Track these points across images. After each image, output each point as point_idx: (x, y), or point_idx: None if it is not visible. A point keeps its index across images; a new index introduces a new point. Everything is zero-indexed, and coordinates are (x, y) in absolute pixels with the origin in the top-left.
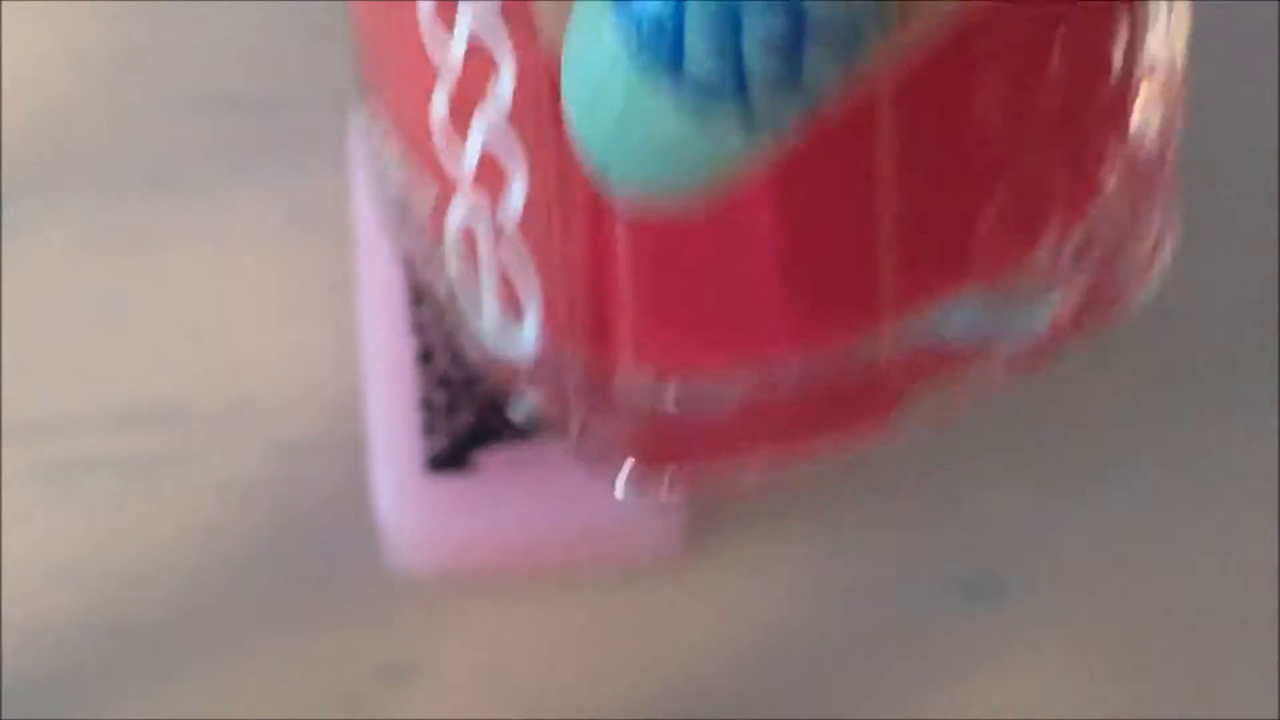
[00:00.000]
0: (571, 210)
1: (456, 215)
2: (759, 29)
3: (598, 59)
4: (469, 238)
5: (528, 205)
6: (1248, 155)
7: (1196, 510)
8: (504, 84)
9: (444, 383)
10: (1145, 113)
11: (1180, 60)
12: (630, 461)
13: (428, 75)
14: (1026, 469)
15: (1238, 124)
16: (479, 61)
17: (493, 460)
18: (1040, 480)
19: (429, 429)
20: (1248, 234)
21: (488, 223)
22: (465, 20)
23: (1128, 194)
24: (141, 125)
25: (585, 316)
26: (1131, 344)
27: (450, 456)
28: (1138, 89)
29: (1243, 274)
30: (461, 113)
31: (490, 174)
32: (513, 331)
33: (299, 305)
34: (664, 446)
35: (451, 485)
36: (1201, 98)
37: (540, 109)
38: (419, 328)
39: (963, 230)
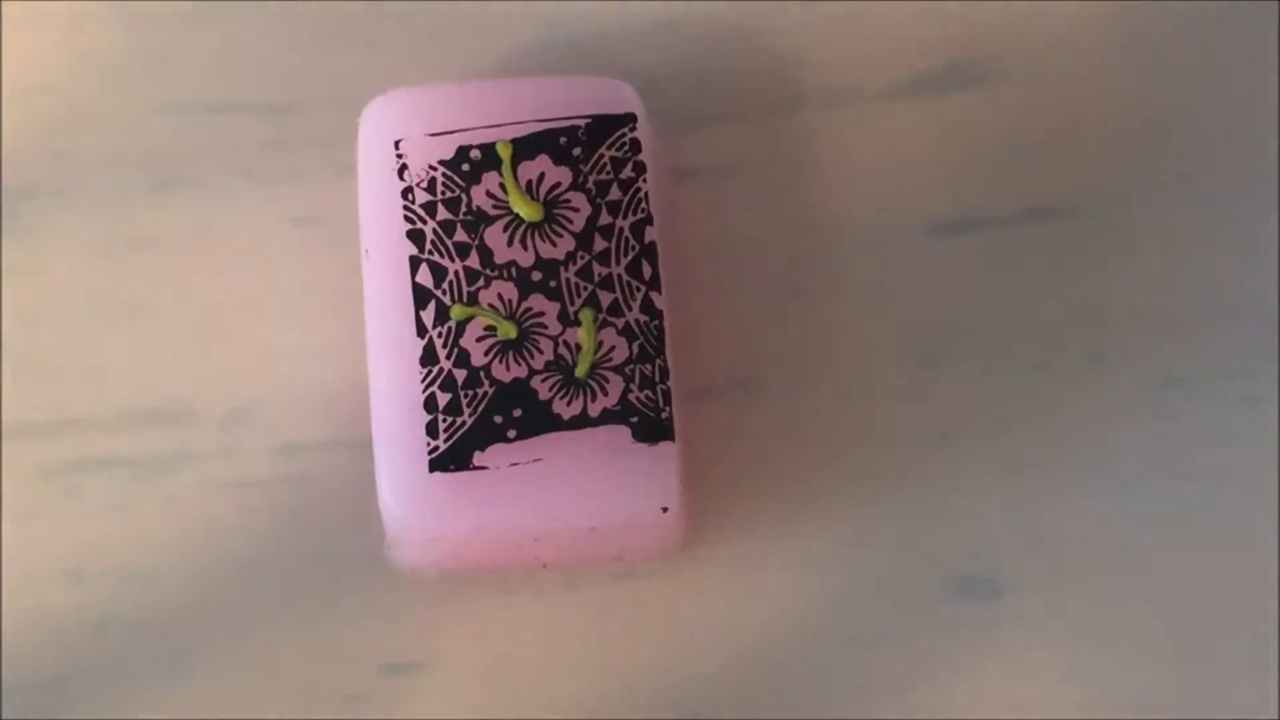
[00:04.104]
0: None
1: None
2: None
3: None
4: None
5: None
6: (1248, 155)
7: (1194, 510)
8: None
9: (446, 384)
10: None
11: None
12: None
13: None
14: (1024, 469)
15: (1238, 124)
16: None
17: (495, 460)
18: (1037, 480)
19: (432, 429)
20: (1248, 234)
21: None
22: None
23: None
24: (147, 128)
25: None
26: (1131, 344)
27: (453, 456)
28: None
29: (1243, 274)
30: None
31: None
32: None
33: (304, 307)
34: None
35: (454, 485)
36: (1201, 97)
37: None
38: (422, 329)
39: None
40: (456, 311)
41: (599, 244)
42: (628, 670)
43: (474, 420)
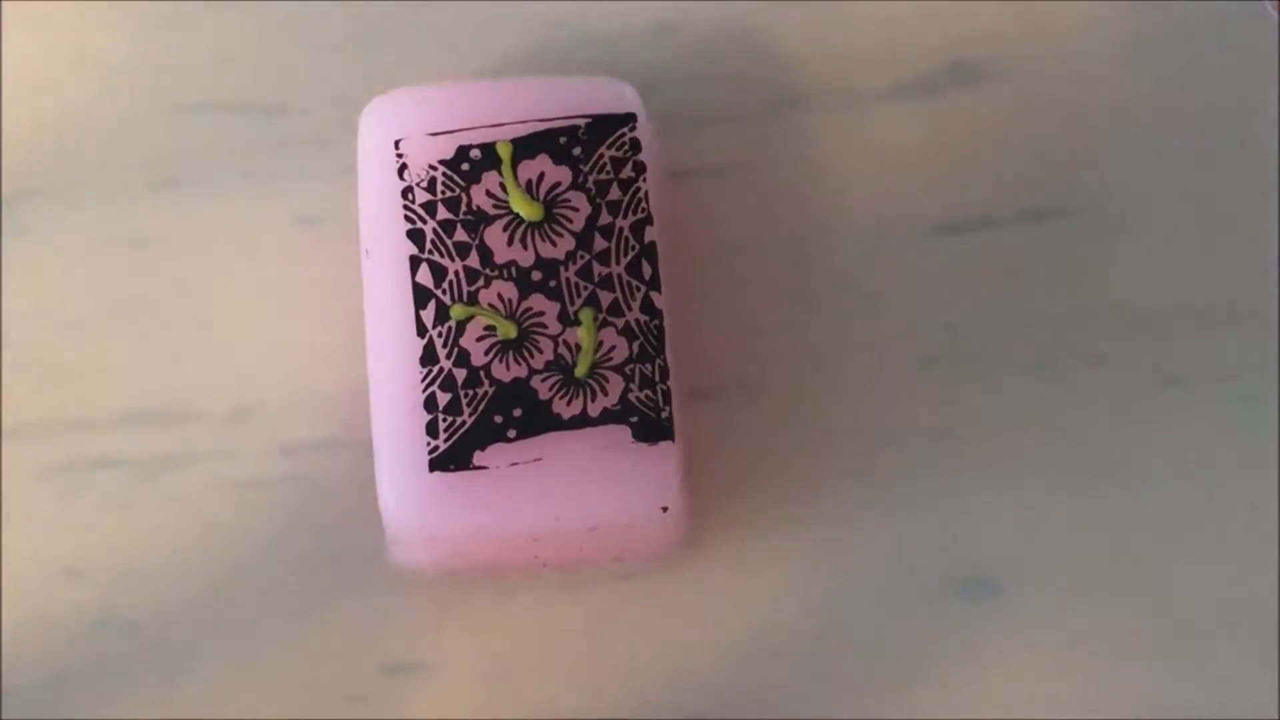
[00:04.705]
0: None
1: None
2: None
3: None
4: None
5: None
6: (1248, 155)
7: (1194, 510)
8: None
9: (446, 383)
10: None
11: None
12: None
13: None
14: (1024, 469)
15: (1238, 124)
16: None
17: (495, 460)
18: (1037, 480)
19: (432, 429)
20: (1248, 234)
21: None
22: None
23: None
24: (149, 128)
25: None
26: (1131, 344)
27: (453, 456)
28: None
29: (1243, 274)
30: None
31: None
32: None
33: (305, 307)
34: None
35: (454, 484)
36: (1201, 97)
37: None
38: (422, 329)
39: None
40: (456, 311)
41: (599, 243)
42: (628, 670)
43: (474, 420)
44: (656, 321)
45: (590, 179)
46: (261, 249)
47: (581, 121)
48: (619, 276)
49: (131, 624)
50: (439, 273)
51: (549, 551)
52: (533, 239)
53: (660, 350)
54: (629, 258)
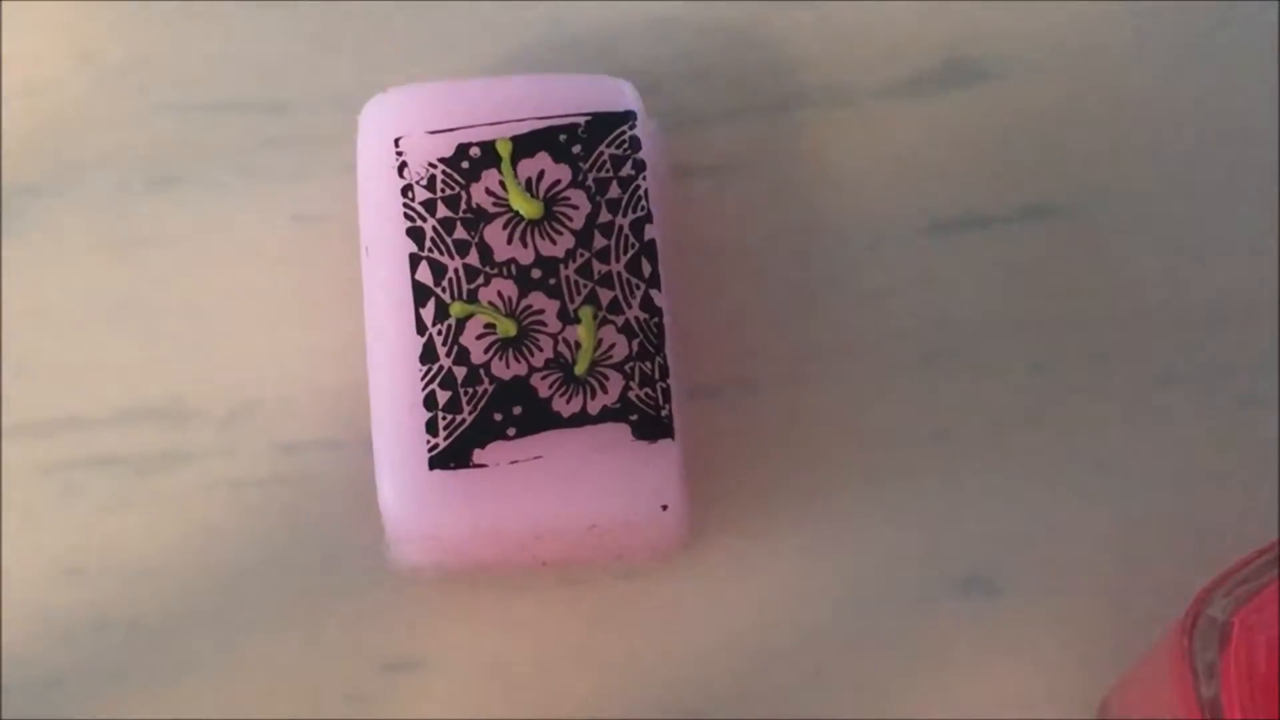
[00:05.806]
0: None
1: None
2: None
3: None
4: None
5: None
6: (1248, 155)
7: (1194, 510)
8: None
9: (446, 381)
10: None
11: None
12: None
13: None
14: (1024, 469)
15: (1238, 124)
16: None
17: (494, 458)
18: (1037, 480)
19: (432, 427)
20: (1248, 234)
21: None
22: None
23: None
24: (148, 127)
25: None
26: (1131, 344)
27: (452, 454)
28: None
29: (1243, 274)
30: None
31: None
32: None
33: (304, 305)
34: None
35: (454, 482)
36: (1201, 97)
37: None
38: (421, 327)
39: None
40: (456, 309)
41: (599, 241)
42: (628, 670)
43: (474, 418)
44: (656, 319)
45: (590, 177)
46: (261, 248)
47: (581, 119)
48: (619, 274)
49: (131, 624)
50: (439, 270)
51: (549, 550)
52: (532, 237)
53: (660, 348)
54: (629, 255)
